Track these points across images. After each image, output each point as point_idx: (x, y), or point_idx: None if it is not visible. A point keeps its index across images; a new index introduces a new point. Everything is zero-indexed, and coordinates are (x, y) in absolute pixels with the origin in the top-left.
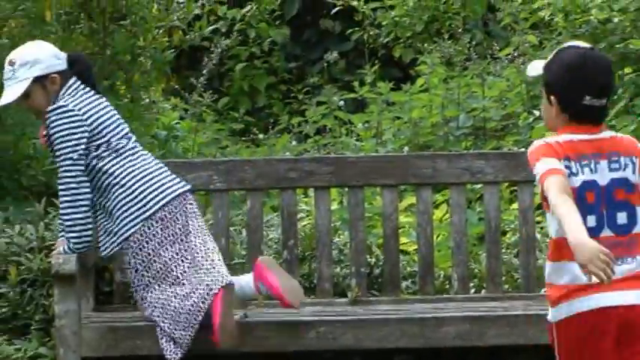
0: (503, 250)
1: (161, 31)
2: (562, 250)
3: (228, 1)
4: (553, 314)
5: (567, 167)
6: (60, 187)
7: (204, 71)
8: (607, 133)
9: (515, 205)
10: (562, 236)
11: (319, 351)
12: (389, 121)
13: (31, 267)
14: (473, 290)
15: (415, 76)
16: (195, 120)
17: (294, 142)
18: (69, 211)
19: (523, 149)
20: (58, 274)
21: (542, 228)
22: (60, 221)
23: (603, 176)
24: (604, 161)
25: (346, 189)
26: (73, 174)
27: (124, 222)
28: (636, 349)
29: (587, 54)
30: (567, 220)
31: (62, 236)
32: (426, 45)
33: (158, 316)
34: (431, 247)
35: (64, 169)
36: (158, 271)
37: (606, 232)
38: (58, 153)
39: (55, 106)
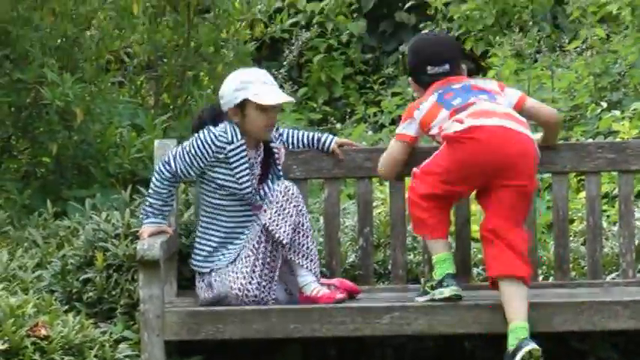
0: (571, 238)
1: (243, 23)
2: None
3: None
4: None
5: None
6: None
7: (284, 62)
8: None
9: (582, 194)
10: None
11: (393, 336)
12: None
13: (116, 253)
14: (541, 277)
15: (487, 68)
16: None
17: (370, 132)
18: None
19: (591, 140)
20: (142, 260)
21: (608, 216)
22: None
23: None
24: None
25: None
26: None
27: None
28: None
29: (420, 37)
30: None
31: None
32: (496, 38)
33: None
34: None
35: None
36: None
37: None
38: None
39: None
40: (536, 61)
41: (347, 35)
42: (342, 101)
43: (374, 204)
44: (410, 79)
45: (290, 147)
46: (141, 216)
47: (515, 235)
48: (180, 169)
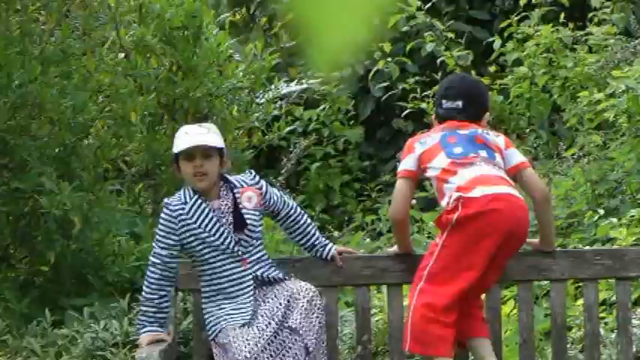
0: (569, 346)
1: (241, 131)
2: None
3: (305, 102)
4: None
5: None
6: None
7: (282, 171)
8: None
9: (580, 302)
10: None
11: None
12: None
13: None
14: None
15: None
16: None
17: (367, 240)
18: None
19: (588, 247)
20: None
21: (606, 324)
22: None
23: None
24: None
25: None
26: None
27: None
28: None
29: (447, 77)
30: None
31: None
32: None
33: None
34: (499, 342)
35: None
36: None
37: None
38: (284, 198)
39: (251, 172)
40: (533, 168)
41: (344, 142)
42: (340, 209)
43: (372, 312)
44: (433, 116)
45: (286, 231)
46: (137, 326)
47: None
48: (162, 255)
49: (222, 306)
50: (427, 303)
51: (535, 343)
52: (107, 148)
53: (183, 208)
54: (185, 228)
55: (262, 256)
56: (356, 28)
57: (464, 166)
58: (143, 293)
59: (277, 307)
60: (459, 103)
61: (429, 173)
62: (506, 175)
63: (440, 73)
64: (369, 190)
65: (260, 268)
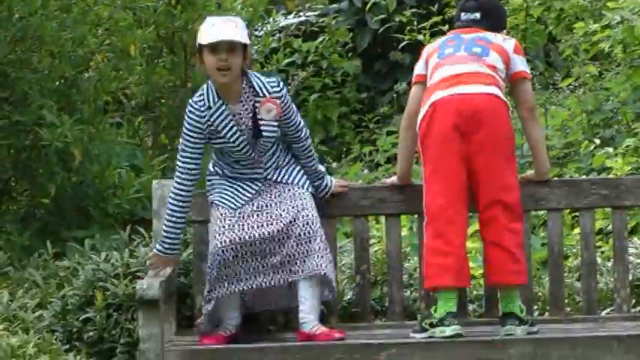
0: (566, 274)
1: None
2: None
3: (303, 34)
4: None
5: None
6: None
7: None
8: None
9: (576, 231)
10: None
11: None
12: None
13: (116, 292)
14: (536, 313)
15: None
16: None
17: (365, 171)
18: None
19: (584, 176)
20: (142, 300)
21: (602, 252)
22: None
23: None
24: None
25: (416, 216)
26: None
27: None
28: None
29: None
30: None
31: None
32: None
33: None
34: None
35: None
36: None
37: None
38: (299, 119)
39: (278, 79)
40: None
41: (342, 74)
42: (338, 140)
43: (370, 242)
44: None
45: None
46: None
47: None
48: (190, 156)
49: (226, 182)
50: (430, 235)
51: (532, 272)
52: (107, 81)
53: (207, 112)
54: (209, 129)
55: (280, 161)
56: None
57: (446, 65)
58: (167, 208)
59: (275, 217)
60: (477, 15)
61: (430, 80)
62: (507, 79)
63: (436, 5)
64: (367, 122)
65: (275, 173)
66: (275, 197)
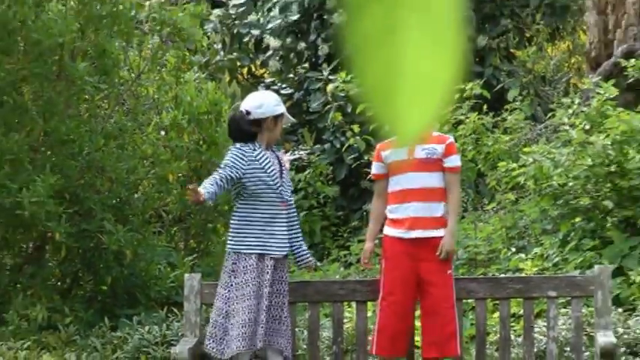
0: (487, 346)
1: None
2: None
3: (296, 168)
4: None
5: None
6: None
7: None
8: None
9: (496, 314)
10: None
11: None
12: None
13: (156, 356)
14: None
15: None
16: None
17: (342, 269)
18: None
19: (503, 275)
20: None
21: (515, 330)
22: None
23: None
24: None
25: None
26: None
27: None
28: None
29: None
30: None
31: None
32: None
33: None
34: None
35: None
36: None
37: None
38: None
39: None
40: (463, 217)
41: (324, 197)
42: (320, 246)
43: (344, 321)
44: None
45: None
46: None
47: None
48: (228, 173)
49: (255, 225)
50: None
51: (462, 344)
52: (151, 200)
53: (251, 154)
54: (248, 166)
55: (294, 209)
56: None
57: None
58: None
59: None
60: None
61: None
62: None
63: None
64: (342, 232)
65: (292, 214)
66: None
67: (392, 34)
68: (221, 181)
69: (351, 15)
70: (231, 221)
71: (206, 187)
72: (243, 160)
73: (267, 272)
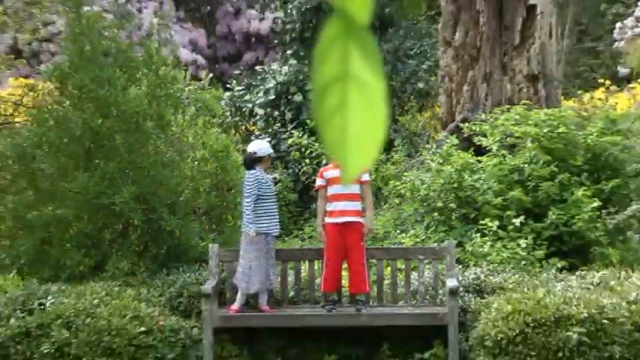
0: (384, 288)
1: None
2: None
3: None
4: None
5: None
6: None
7: None
8: None
9: (389, 269)
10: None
11: None
12: None
13: (192, 290)
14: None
15: None
16: None
17: (300, 242)
18: None
19: (393, 246)
20: (203, 293)
21: (400, 278)
22: None
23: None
24: None
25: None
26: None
27: None
28: None
29: None
30: None
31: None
32: None
33: None
34: None
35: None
36: None
37: None
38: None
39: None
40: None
41: (288, 200)
42: (287, 228)
43: (301, 272)
44: None
45: None
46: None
47: None
48: (254, 196)
49: (262, 216)
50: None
51: (370, 285)
52: (190, 201)
53: (261, 179)
54: (261, 186)
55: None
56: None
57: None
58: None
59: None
60: None
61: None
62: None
63: None
64: (300, 221)
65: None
66: None
67: (344, 108)
68: (253, 206)
69: (317, 94)
70: (246, 214)
71: (250, 227)
72: (258, 184)
73: (269, 243)
